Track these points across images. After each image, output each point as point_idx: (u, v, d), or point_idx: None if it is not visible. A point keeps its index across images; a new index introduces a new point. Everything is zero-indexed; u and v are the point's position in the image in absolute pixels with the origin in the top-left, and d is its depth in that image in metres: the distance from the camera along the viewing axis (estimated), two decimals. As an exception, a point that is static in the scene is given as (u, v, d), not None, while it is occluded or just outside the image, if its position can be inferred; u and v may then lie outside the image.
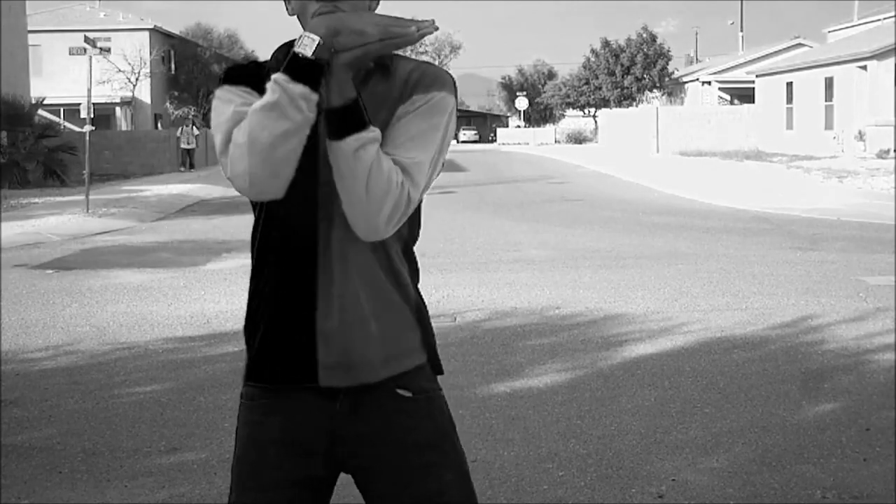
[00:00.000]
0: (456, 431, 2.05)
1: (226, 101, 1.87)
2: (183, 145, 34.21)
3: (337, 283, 1.89)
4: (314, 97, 1.72)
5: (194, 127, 35.18)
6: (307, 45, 1.72)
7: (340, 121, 1.74)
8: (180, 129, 34.99)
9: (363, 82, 1.84)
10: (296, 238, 1.90)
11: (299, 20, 1.88)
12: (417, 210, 1.99)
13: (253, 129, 1.73)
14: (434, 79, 1.88)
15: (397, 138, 1.81)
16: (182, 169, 33.29)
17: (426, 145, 1.82)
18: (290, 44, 1.93)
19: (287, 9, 1.93)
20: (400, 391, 1.96)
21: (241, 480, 2.01)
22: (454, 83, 1.91)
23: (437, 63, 79.49)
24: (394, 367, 1.95)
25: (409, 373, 1.98)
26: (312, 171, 1.84)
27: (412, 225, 2.00)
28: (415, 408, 1.97)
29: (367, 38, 1.70)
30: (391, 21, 1.71)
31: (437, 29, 1.76)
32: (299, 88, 1.71)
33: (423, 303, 2.03)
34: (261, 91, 1.77)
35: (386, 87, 1.87)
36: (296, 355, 1.92)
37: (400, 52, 1.88)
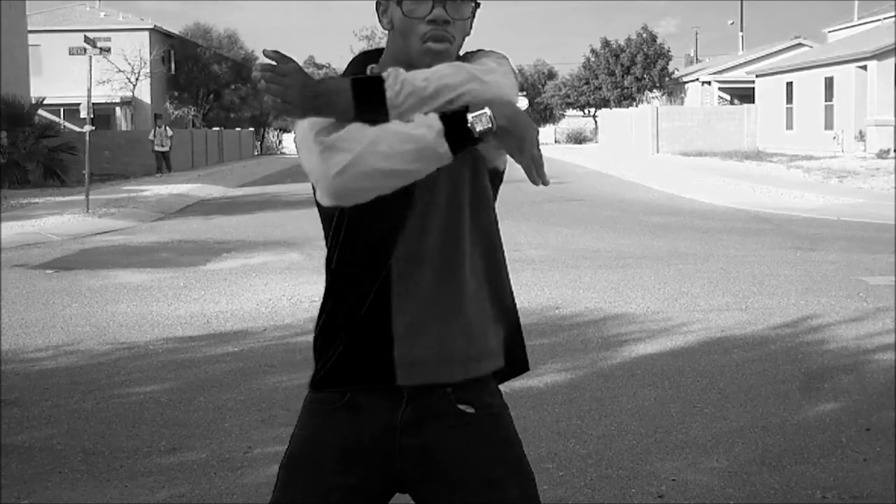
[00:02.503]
0: (522, 447, 2.01)
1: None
2: (157, 148, 31.50)
3: (418, 285, 1.89)
4: (448, 160, 1.75)
5: (167, 128, 32.80)
6: (481, 122, 1.72)
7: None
8: (152, 130, 32.16)
9: None
10: (377, 249, 1.89)
11: (397, 35, 1.85)
12: (490, 198, 1.98)
13: (377, 148, 1.72)
14: (489, 52, 1.96)
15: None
16: (158, 174, 30.38)
17: (497, 66, 1.88)
18: (366, 55, 1.95)
19: (381, 22, 1.90)
20: (462, 406, 1.94)
21: (291, 478, 1.98)
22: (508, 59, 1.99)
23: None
24: (474, 369, 1.94)
25: (473, 387, 1.95)
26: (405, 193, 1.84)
27: (488, 214, 1.98)
28: (478, 424, 1.95)
29: (520, 153, 1.78)
30: (538, 151, 1.80)
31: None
32: (445, 148, 1.72)
33: (513, 301, 2.02)
34: None
35: None
36: (373, 356, 1.91)
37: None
